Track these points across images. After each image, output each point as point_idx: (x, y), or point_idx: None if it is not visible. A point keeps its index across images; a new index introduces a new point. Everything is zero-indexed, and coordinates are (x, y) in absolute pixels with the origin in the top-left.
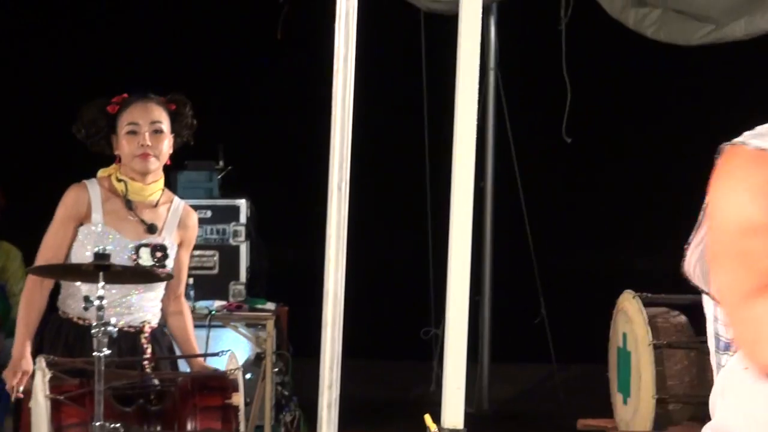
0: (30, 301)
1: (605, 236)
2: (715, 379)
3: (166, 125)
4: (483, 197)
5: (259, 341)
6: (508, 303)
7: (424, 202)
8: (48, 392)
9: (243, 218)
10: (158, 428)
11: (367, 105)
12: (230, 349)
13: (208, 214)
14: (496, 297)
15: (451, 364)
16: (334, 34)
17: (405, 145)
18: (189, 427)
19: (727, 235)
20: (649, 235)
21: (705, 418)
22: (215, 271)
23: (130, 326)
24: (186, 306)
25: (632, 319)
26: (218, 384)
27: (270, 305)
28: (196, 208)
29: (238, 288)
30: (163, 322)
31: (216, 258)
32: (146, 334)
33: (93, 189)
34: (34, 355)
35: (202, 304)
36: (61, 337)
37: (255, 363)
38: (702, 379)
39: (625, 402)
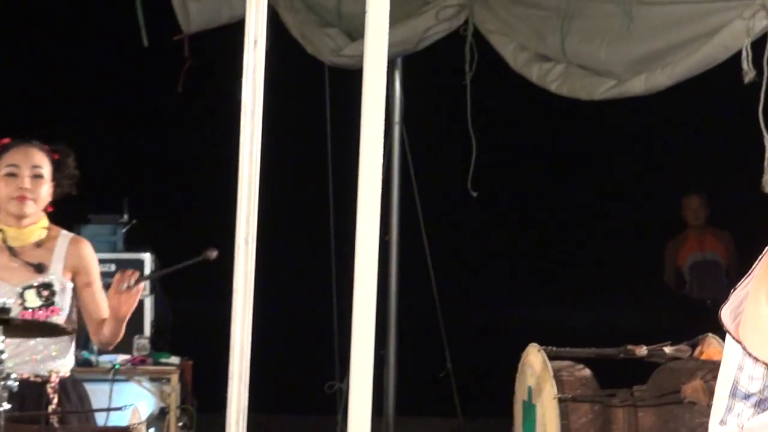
0: None
1: (511, 290)
2: (725, 418)
3: (47, 171)
4: (388, 251)
5: (163, 395)
6: (414, 356)
7: (329, 255)
8: None
9: (147, 272)
10: None
11: (273, 159)
12: (134, 403)
13: (112, 267)
14: (402, 350)
15: (356, 418)
16: (240, 88)
17: (310, 198)
18: None
19: None
20: (554, 288)
21: None
22: None
23: (36, 376)
24: None
25: (537, 372)
26: None
27: (174, 359)
28: (100, 261)
29: (142, 342)
30: (74, 371)
31: None
32: (53, 384)
33: None
34: None
35: (105, 358)
36: None
37: (159, 418)
38: None
39: None
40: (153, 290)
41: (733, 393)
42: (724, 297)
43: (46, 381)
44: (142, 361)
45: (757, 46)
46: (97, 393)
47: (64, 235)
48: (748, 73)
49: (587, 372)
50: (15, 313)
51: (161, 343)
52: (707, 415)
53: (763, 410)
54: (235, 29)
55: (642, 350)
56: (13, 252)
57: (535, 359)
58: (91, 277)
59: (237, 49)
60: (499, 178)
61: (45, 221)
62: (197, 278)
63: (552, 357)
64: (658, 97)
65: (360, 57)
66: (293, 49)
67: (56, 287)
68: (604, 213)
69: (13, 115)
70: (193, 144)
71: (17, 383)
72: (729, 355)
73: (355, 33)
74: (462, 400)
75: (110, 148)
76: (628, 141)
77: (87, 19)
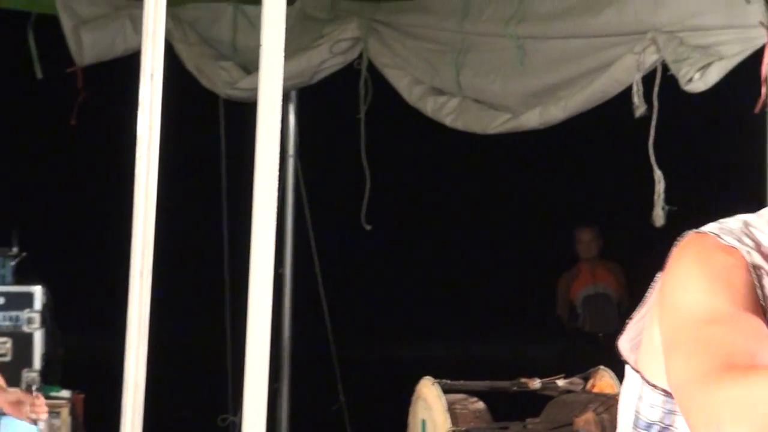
0: None
1: (405, 323)
2: None
3: None
4: (282, 284)
5: (53, 430)
6: (307, 389)
7: (223, 287)
8: None
9: (38, 305)
10: None
11: (168, 192)
12: None
13: (1, 300)
14: (295, 383)
15: None
16: (135, 120)
17: (205, 230)
18: None
19: (688, 322)
20: (447, 322)
21: None
22: (8, 359)
23: None
24: None
25: (431, 405)
26: None
27: (65, 393)
28: None
29: (31, 375)
30: None
31: (9, 345)
32: None
33: None
34: None
35: None
36: None
37: None
38: None
39: None
40: (43, 323)
41: (635, 424)
42: (616, 330)
43: None
44: None
45: (648, 80)
46: None
47: None
48: (639, 107)
49: (481, 405)
50: None
51: (51, 376)
52: None
53: None
54: (130, 62)
55: (535, 383)
56: None
57: (428, 392)
58: None
59: (132, 81)
60: (394, 211)
61: None
62: (89, 310)
63: (446, 390)
64: (551, 130)
65: (255, 90)
66: (188, 82)
67: None
68: (498, 246)
69: None
70: (86, 177)
71: None
72: (628, 387)
73: (250, 66)
74: None
75: (1, 181)
76: (522, 174)
77: None
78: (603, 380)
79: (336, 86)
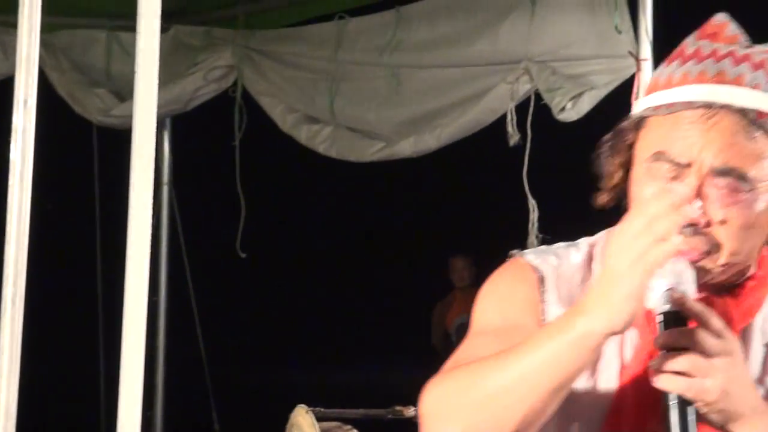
0: None
1: (279, 350)
2: None
3: None
4: (156, 311)
5: None
6: (181, 418)
7: (96, 315)
8: None
9: None
10: None
11: (42, 220)
12: None
13: None
14: (169, 412)
15: None
16: (8, 148)
17: (78, 258)
18: None
19: (467, 338)
20: (323, 348)
21: None
22: None
23: None
24: None
25: None
26: None
27: None
28: None
29: None
30: None
31: None
32: None
33: None
34: None
35: None
36: None
37: None
38: None
39: None
40: None
41: None
42: None
43: None
44: None
45: (521, 109)
46: None
47: None
48: (513, 135)
49: None
50: None
51: None
52: None
53: None
54: (2, 87)
55: (410, 411)
56: None
57: (303, 420)
58: None
59: (3, 108)
60: (269, 239)
61: None
62: None
63: (320, 418)
64: (426, 159)
65: (129, 117)
66: (60, 108)
67: None
68: (373, 274)
69: None
70: None
71: None
72: None
73: (124, 93)
74: None
75: None
76: (397, 202)
77: None
78: None
79: (211, 114)
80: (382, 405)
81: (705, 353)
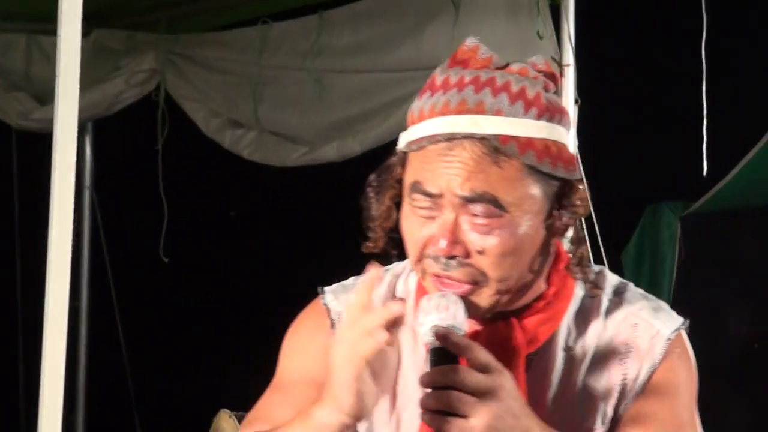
0: None
1: (202, 356)
2: None
3: None
4: (78, 317)
5: None
6: (103, 424)
7: (16, 319)
8: None
9: None
10: None
11: None
12: None
13: None
14: (91, 418)
15: None
16: None
17: None
18: None
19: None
20: (245, 355)
21: None
22: None
23: None
24: None
25: None
26: None
27: None
28: None
29: None
30: None
31: None
32: None
33: None
34: None
35: None
36: None
37: None
38: None
39: None
40: None
41: None
42: None
43: None
44: None
45: None
46: None
47: None
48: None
49: None
50: None
51: None
52: None
53: None
54: None
55: None
56: None
57: (226, 425)
58: None
59: None
60: (192, 244)
61: None
62: None
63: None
64: (350, 163)
65: (49, 121)
66: None
67: None
68: (298, 278)
69: None
70: None
71: None
72: None
73: (45, 97)
74: None
75: None
76: (322, 207)
77: None
78: None
79: (134, 118)
80: None
81: (468, 390)
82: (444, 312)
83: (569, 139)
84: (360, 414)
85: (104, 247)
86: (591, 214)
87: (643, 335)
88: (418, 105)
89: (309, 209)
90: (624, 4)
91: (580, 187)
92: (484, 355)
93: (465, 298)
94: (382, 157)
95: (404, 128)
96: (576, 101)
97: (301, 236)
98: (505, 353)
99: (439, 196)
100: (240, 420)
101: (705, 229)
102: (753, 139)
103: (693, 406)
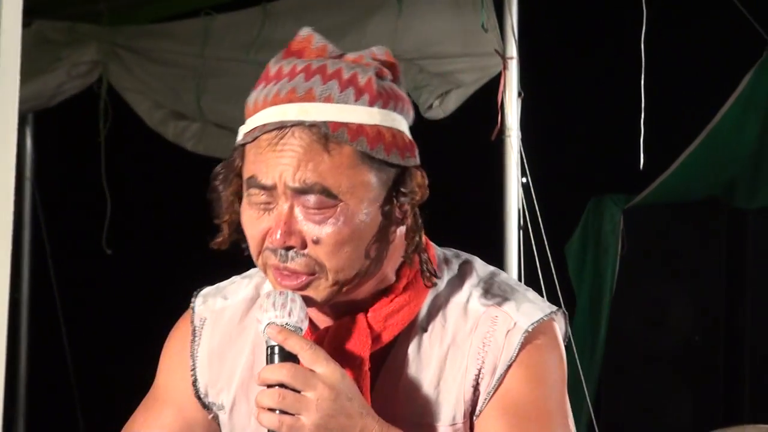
0: None
1: (144, 348)
2: None
3: None
4: (18, 308)
5: None
6: (45, 417)
7: None
8: None
9: None
10: None
11: None
12: None
13: None
14: (32, 412)
15: None
16: None
17: None
18: None
19: None
20: None
21: None
22: None
23: None
24: None
25: None
26: None
27: None
28: None
29: None
30: None
31: None
32: None
33: None
34: None
35: None
36: None
37: None
38: None
39: None
40: None
41: None
42: None
43: None
44: None
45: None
46: None
47: None
48: None
49: None
50: None
51: None
52: None
53: None
54: None
55: None
56: None
57: None
58: None
59: None
60: (135, 235)
61: None
62: None
63: None
64: None
65: None
66: None
67: None
68: (236, 271)
69: None
70: None
71: None
72: None
73: None
74: None
75: None
76: None
77: None
78: None
79: (76, 109)
80: None
81: (298, 388)
82: (280, 309)
83: (405, 126)
84: None
85: (45, 239)
86: (535, 207)
87: (501, 328)
88: (252, 97)
89: None
90: None
91: (419, 173)
92: (316, 353)
93: (303, 293)
94: None
95: None
96: (519, 94)
97: None
98: (351, 350)
99: (273, 187)
100: None
101: (647, 221)
102: (691, 133)
103: (560, 395)
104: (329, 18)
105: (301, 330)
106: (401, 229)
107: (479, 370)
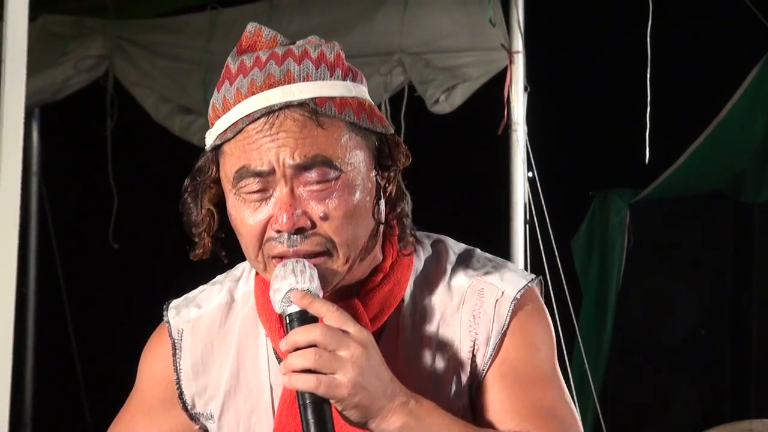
0: None
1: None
2: None
3: None
4: (25, 303)
5: None
6: (52, 410)
7: None
8: None
9: None
10: None
11: None
12: None
13: None
14: (39, 405)
15: None
16: None
17: None
18: None
19: None
20: None
21: None
22: None
23: None
24: None
25: None
26: None
27: None
28: None
29: None
30: None
31: None
32: None
33: None
34: None
35: None
36: None
37: None
38: None
39: None
40: None
41: None
42: None
43: None
44: None
45: (395, 100)
46: None
47: None
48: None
49: None
50: None
51: None
52: None
53: None
54: None
55: None
56: None
57: None
58: None
59: None
60: (141, 230)
61: None
62: None
63: None
64: None
65: None
66: None
67: None
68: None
69: None
70: None
71: None
72: None
73: None
74: None
75: None
76: None
77: None
78: None
79: (82, 103)
80: None
81: (330, 348)
82: (300, 275)
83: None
84: None
85: (52, 234)
86: (541, 202)
87: (489, 299)
88: (218, 97)
89: None
90: None
91: (397, 139)
92: (344, 314)
93: (318, 269)
94: None
95: None
96: (525, 88)
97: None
98: None
99: (270, 172)
100: None
101: (653, 216)
102: (697, 127)
103: (553, 359)
104: (335, 12)
105: (319, 296)
106: (382, 202)
107: (473, 342)
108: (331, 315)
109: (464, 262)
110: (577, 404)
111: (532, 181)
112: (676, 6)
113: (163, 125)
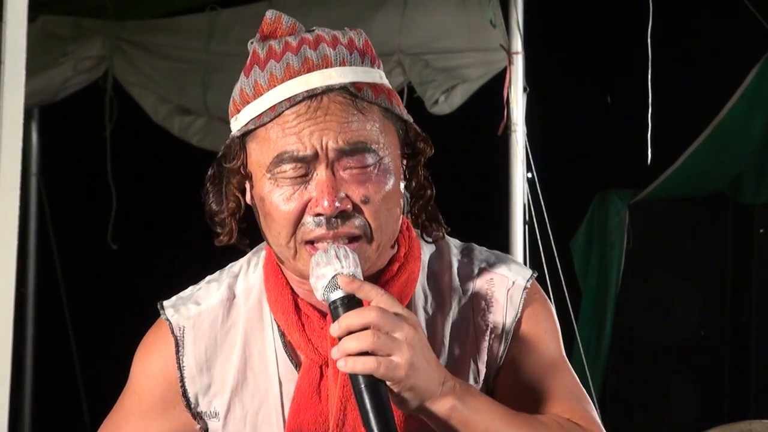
0: None
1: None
2: None
3: None
4: (24, 303)
5: None
6: (50, 411)
7: None
8: None
9: None
10: None
11: None
12: None
13: None
14: (38, 405)
15: None
16: None
17: None
18: None
19: None
20: None
21: None
22: None
23: None
24: None
25: None
26: None
27: None
28: None
29: None
30: None
31: None
32: None
33: None
34: None
35: None
36: None
37: None
38: None
39: None
40: None
41: None
42: None
43: None
44: None
45: None
46: None
47: None
48: None
49: None
50: None
51: None
52: None
53: None
54: None
55: None
56: None
57: None
58: None
59: None
60: (140, 231)
61: None
62: None
63: None
64: None
65: None
66: None
67: None
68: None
69: None
70: None
71: None
72: None
73: None
74: None
75: None
76: None
77: None
78: None
79: (82, 103)
80: None
81: (385, 329)
82: (344, 260)
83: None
84: None
85: (51, 234)
86: (540, 202)
87: (500, 288)
88: (248, 82)
89: None
90: None
91: (417, 128)
92: (392, 298)
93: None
94: None
95: None
96: (525, 89)
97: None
98: None
99: (312, 157)
100: None
101: (652, 216)
102: (697, 128)
103: (560, 347)
104: (335, 12)
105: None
106: (405, 191)
107: (488, 330)
108: (381, 298)
109: (468, 254)
110: None
111: (531, 182)
112: (676, 6)
113: (163, 126)
